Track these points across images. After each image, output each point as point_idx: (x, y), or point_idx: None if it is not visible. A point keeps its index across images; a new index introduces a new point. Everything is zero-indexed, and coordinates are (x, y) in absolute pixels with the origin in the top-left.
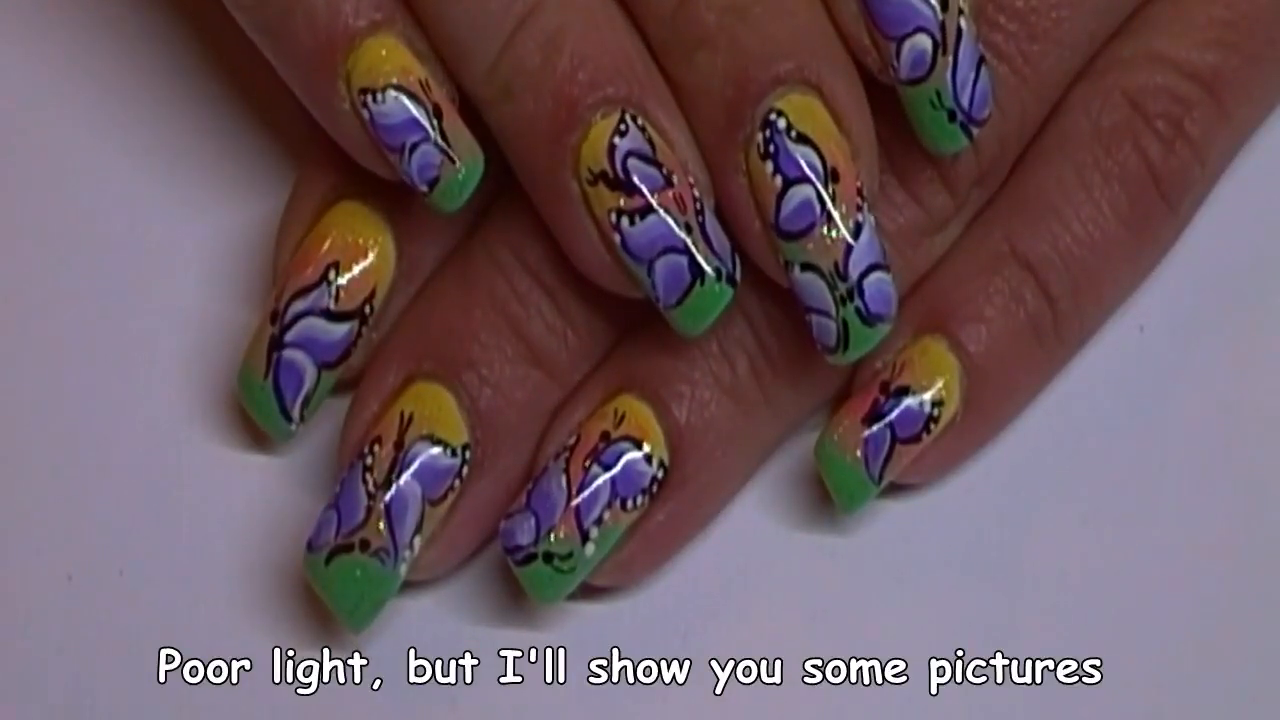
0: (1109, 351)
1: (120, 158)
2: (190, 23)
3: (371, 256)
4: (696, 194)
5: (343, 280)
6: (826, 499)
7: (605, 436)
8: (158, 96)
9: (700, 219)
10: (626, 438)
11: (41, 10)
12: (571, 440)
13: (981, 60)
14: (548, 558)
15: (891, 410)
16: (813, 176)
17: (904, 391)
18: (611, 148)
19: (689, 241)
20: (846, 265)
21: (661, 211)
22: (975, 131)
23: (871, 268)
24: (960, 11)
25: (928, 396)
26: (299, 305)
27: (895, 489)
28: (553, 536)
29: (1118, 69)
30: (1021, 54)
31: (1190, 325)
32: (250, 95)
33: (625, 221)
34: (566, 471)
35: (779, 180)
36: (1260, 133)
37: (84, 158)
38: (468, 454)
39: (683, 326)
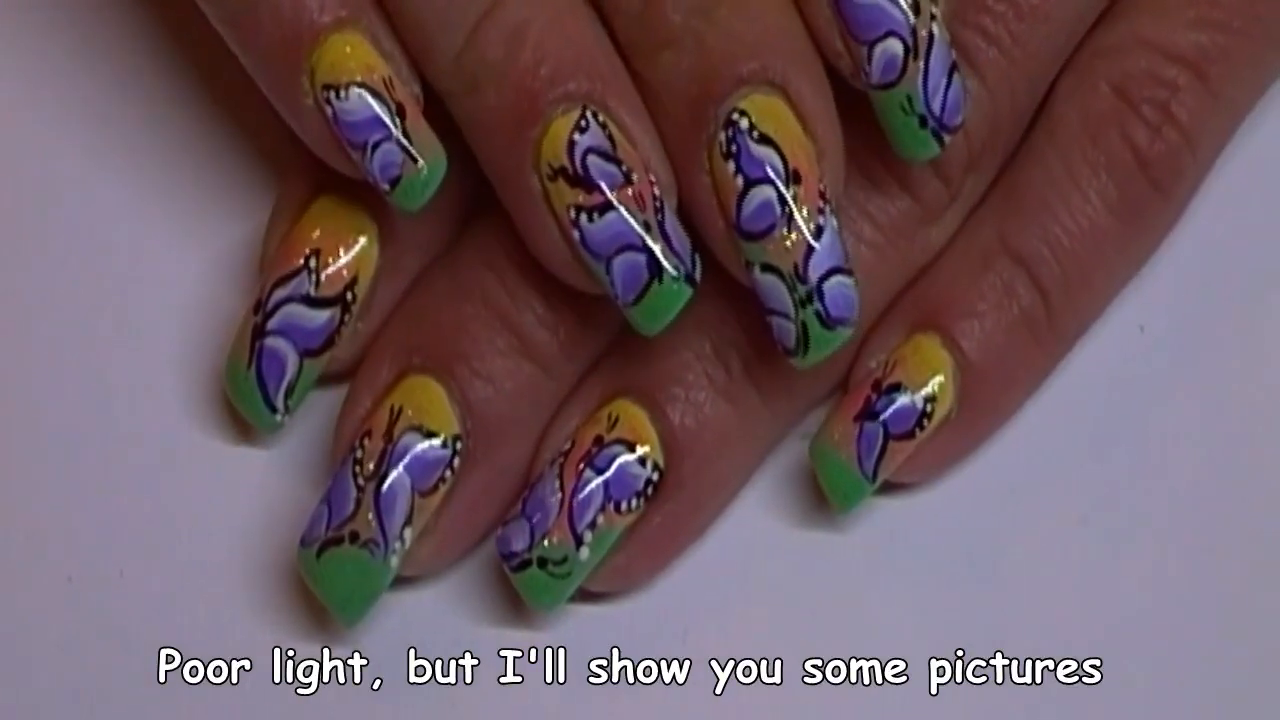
0: (1109, 351)
1: (120, 158)
2: (193, 27)
3: (355, 246)
4: (657, 192)
5: (324, 267)
6: (826, 499)
7: (598, 440)
8: (156, 96)
9: (660, 217)
10: (619, 441)
11: (45, 15)
12: (566, 446)
13: (954, 68)
14: (542, 563)
15: (885, 408)
16: (773, 177)
17: (897, 389)
18: (571, 144)
19: (648, 239)
20: (806, 268)
21: (620, 209)
22: (947, 138)
23: (832, 271)
24: (932, 18)
25: (921, 393)
26: (280, 293)
27: (896, 489)
28: (546, 541)
29: (1101, 57)
30: (1010, 34)
31: (1190, 325)
32: (248, 95)
33: (584, 218)
34: (560, 477)
35: (740, 180)
36: (1260, 132)
37: (84, 160)
38: (458, 445)
39: (641, 325)
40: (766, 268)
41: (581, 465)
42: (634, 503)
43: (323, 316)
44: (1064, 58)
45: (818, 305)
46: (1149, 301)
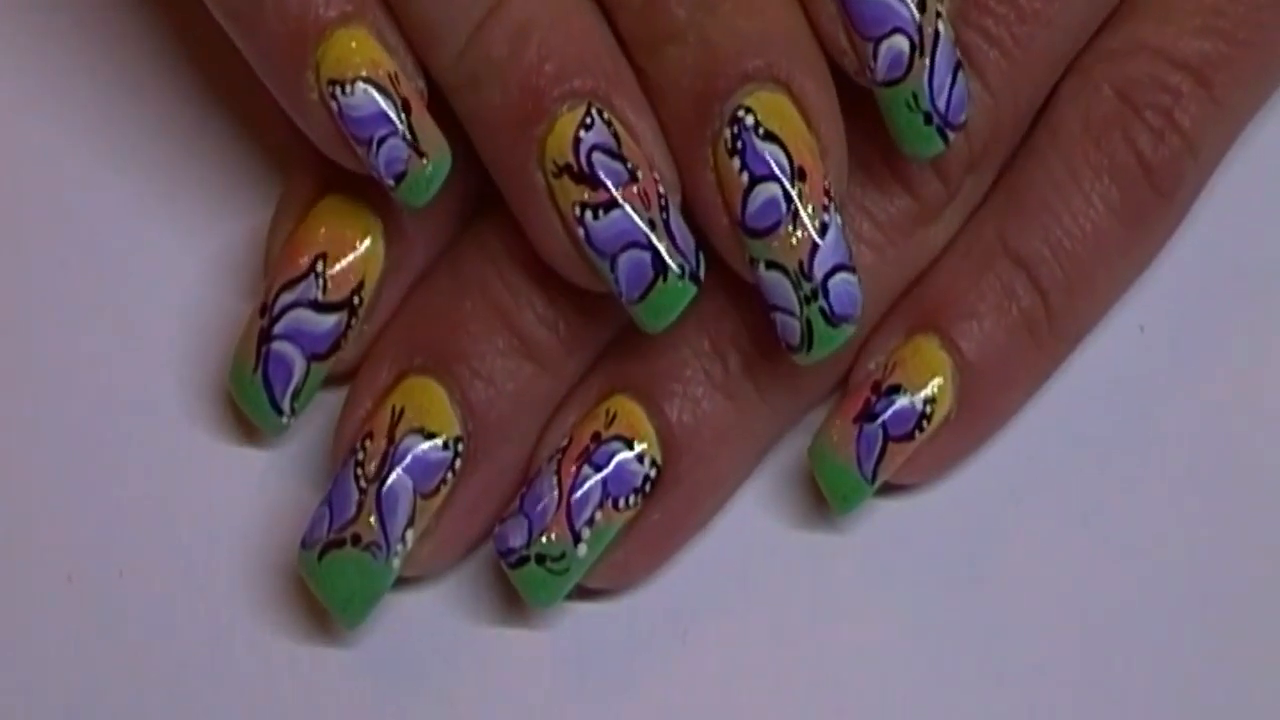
0: (1109, 351)
1: (121, 157)
2: (197, 24)
3: (360, 248)
4: (661, 190)
5: (330, 271)
6: (826, 500)
7: (596, 437)
8: (158, 94)
9: (665, 215)
10: (617, 437)
11: (46, 14)
12: (564, 443)
13: (959, 66)
14: (540, 559)
15: (884, 410)
16: (779, 174)
17: (896, 390)
18: (576, 140)
19: (652, 237)
20: (811, 265)
21: (625, 206)
22: (951, 136)
23: (837, 268)
24: (938, 15)
25: (920, 395)
26: (287, 297)
27: (895, 490)
28: (544, 538)
29: (1105, 61)
30: (1012, 36)
31: (1190, 325)
32: (252, 92)
33: (589, 215)
34: (558, 473)
35: (745, 177)
36: (1259, 131)
37: (84, 159)
38: (460, 446)
39: (645, 323)
40: (771, 265)
41: (579, 462)
42: (632, 499)
43: (329, 321)
44: (1066, 62)
45: (822, 302)
46: (1149, 301)
